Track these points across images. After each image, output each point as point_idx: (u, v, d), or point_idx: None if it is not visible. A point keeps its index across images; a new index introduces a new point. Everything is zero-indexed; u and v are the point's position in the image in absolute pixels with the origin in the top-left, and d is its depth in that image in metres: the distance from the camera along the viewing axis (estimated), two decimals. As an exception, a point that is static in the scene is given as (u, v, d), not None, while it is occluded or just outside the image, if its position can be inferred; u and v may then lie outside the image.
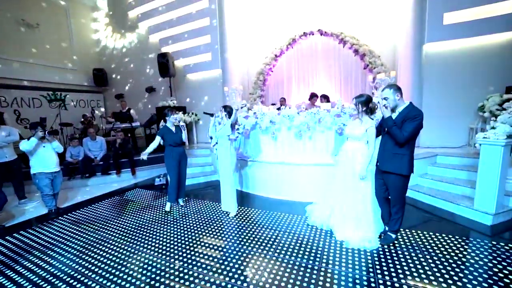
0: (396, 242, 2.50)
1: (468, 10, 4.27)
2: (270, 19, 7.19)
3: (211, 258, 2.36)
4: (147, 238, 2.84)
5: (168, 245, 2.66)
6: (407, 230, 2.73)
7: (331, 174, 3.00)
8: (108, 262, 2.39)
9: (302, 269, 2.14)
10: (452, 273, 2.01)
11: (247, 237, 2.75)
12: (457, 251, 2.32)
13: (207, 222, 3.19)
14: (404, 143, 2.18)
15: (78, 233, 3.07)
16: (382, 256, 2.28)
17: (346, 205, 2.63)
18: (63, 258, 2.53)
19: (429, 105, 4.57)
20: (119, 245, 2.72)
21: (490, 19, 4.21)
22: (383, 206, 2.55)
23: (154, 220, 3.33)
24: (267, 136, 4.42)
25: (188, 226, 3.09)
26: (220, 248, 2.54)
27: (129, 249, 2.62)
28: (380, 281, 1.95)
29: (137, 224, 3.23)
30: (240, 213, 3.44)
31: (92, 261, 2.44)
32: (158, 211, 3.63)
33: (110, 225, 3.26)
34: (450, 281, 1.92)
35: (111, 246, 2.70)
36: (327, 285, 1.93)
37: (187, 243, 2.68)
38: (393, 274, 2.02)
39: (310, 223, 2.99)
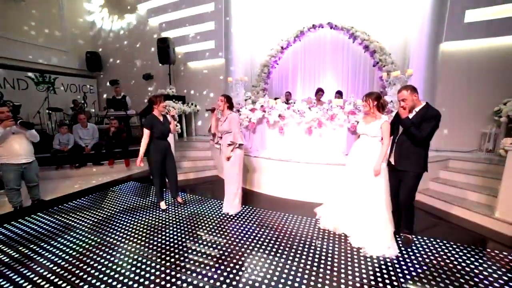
0: (413, 249, 2.33)
1: (491, 8, 4.08)
2: (277, 9, 6.87)
3: (210, 259, 2.12)
4: (142, 236, 2.57)
5: (164, 245, 2.39)
6: (419, 237, 2.56)
7: (343, 174, 2.80)
8: (99, 259, 2.12)
9: (313, 278, 1.93)
10: (465, 284, 1.85)
11: (252, 240, 2.51)
12: (478, 263, 2.16)
13: (208, 221, 2.93)
14: (422, 143, 2.17)
15: (65, 230, 2.77)
16: (402, 264, 2.10)
17: (361, 206, 2.44)
18: (49, 254, 2.24)
19: (441, 106, 4.35)
20: (111, 244, 2.44)
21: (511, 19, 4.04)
22: (397, 209, 2.41)
23: (150, 218, 3.04)
24: (274, 131, 4.18)
25: (188, 225, 2.83)
26: (222, 251, 2.30)
27: (121, 249, 2.35)
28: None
29: (131, 221, 2.94)
30: (245, 212, 3.20)
31: (81, 257, 2.18)
32: (154, 208, 3.34)
33: (100, 220, 2.96)
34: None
35: (104, 248, 2.41)
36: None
37: (186, 243, 2.43)
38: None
39: (321, 226, 2.78)
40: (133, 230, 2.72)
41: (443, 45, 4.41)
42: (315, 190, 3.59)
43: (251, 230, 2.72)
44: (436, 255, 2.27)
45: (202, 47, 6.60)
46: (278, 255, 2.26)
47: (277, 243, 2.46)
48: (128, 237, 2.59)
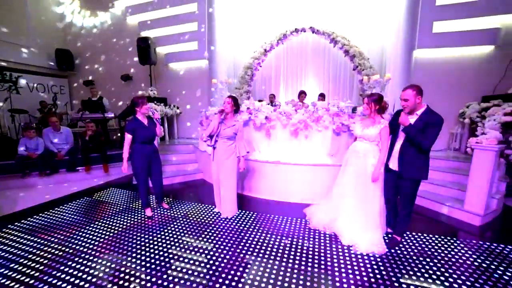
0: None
1: (455, 22, 4.51)
2: (261, 12, 6.93)
3: (203, 266, 2.07)
4: (126, 247, 2.43)
5: (153, 254, 2.29)
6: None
7: (337, 174, 2.87)
8: (76, 273, 1.96)
9: (309, 278, 1.97)
10: (446, 274, 2.03)
11: (243, 243, 2.49)
12: (452, 252, 2.36)
13: (197, 227, 2.86)
14: (427, 150, 2.13)
15: (34, 244, 2.52)
16: (391, 260, 2.22)
17: (355, 207, 2.53)
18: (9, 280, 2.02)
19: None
20: (90, 256, 2.27)
21: (472, 32, 4.51)
22: (391, 209, 2.51)
23: (135, 225, 2.89)
24: (260, 133, 4.19)
25: (177, 232, 2.73)
26: (214, 256, 2.25)
27: (103, 261, 2.20)
28: (396, 290, 1.86)
29: (114, 230, 2.77)
30: (233, 216, 3.17)
31: (54, 272, 1.99)
32: (138, 215, 3.17)
33: (77, 233, 2.73)
34: (446, 283, 1.92)
35: (82, 261, 2.24)
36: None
37: (176, 251, 2.34)
38: (402, 280, 1.95)
39: (312, 226, 2.84)
40: (117, 240, 2.56)
41: (415, 52, 4.77)
42: (303, 191, 3.66)
43: (242, 234, 2.70)
44: (419, 248, 2.44)
45: (184, 47, 6.44)
46: (272, 256, 2.27)
47: (270, 245, 2.47)
48: (110, 247, 2.42)
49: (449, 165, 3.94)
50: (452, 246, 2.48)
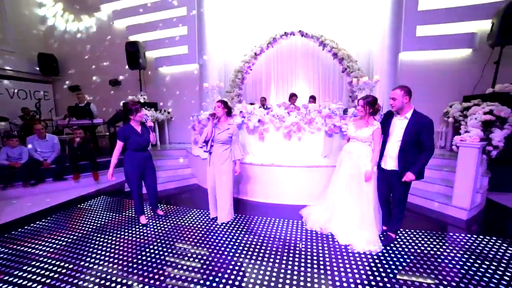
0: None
1: (436, 26, 4.75)
2: (250, 16, 7.00)
3: (202, 273, 2.05)
4: (121, 257, 2.36)
5: (150, 263, 2.24)
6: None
7: (330, 175, 2.95)
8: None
9: (309, 279, 1.99)
10: (440, 268, 2.11)
11: (242, 247, 2.49)
12: (444, 247, 2.47)
13: (193, 233, 2.82)
14: (433, 153, 2.20)
15: (22, 259, 2.41)
16: (388, 258, 2.28)
17: (350, 207, 2.59)
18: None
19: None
20: (85, 268, 2.20)
21: (451, 36, 4.77)
22: (385, 208, 2.58)
23: (129, 234, 2.81)
24: (254, 136, 4.21)
25: (173, 239, 2.69)
26: (213, 262, 2.23)
27: (98, 273, 2.13)
28: (388, 285, 1.91)
29: (108, 240, 2.68)
30: (232, 221, 3.15)
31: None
32: (132, 223, 3.10)
33: (68, 244, 2.63)
34: (440, 276, 2.00)
35: (77, 274, 2.16)
36: (345, 296, 1.82)
37: (173, 259, 2.30)
38: (398, 277, 2.02)
39: (308, 227, 2.88)
40: (111, 250, 2.49)
41: (401, 55, 4.97)
42: (297, 192, 3.71)
43: (240, 238, 2.69)
44: (413, 244, 2.53)
45: (174, 52, 6.39)
46: (271, 259, 2.27)
47: (268, 247, 2.48)
48: (106, 258, 2.35)
49: (436, 162, 4.11)
50: (444, 241, 2.59)
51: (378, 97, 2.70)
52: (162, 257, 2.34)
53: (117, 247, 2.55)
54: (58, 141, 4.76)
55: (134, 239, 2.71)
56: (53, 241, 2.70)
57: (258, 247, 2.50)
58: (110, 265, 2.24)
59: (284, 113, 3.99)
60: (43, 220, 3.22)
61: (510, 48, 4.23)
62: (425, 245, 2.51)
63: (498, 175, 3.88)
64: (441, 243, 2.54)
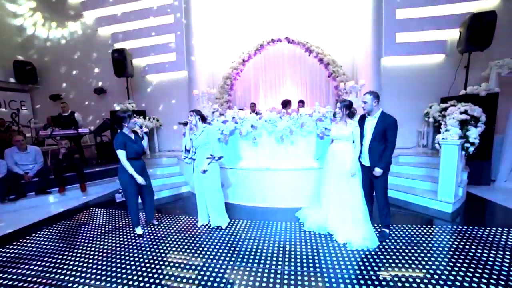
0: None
1: (413, 33, 5.12)
2: (237, 23, 7.13)
3: (201, 280, 2.04)
4: (117, 270, 2.28)
5: (150, 274, 2.19)
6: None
7: (322, 177, 3.07)
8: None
9: (313, 278, 2.04)
10: (433, 259, 2.25)
11: (243, 252, 2.50)
12: (434, 239, 2.64)
13: (190, 241, 2.79)
14: (393, 149, 2.56)
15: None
16: (385, 252, 2.39)
17: (343, 206, 2.70)
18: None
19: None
20: (81, 285, 2.10)
21: (428, 42, 5.16)
22: (369, 204, 2.75)
23: (126, 246, 2.72)
24: (247, 142, 4.26)
25: (171, 249, 2.64)
26: (216, 269, 2.23)
27: (102, 288, 2.05)
28: (388, 278, 2.01)
29: (101, 255, 2.57)
30: (230, 226, 3.14)
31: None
32: (127, 235, 3.00)
33: (58, 261, 2.50)
34: (434, 267, 2.13)
35: (75, 288, 2.06)
36: (348, 292, 1.89)
37: (172, 271, 2.27)
38: (397, 269, 2.12)
39: (307, 229, 2.94)
40: (107, 263, 2.39)
41: (383, 60, 5.27)
42: (293, 195, 3.77)
43: (240, 243, 2.70)
44: (406, 238, 2.66)
45: (162, 59, 6.33)
46: (274, 262, 2.30)
47: (269, 250, 2.51)
48: (101, 271, 2.26)
49: (420, 160, 4.37)
50: (434, 233, 2.75)
51: (341, 100, 2.95)
52: (162, 267, 2.29)
53: (111, 259, 2.46)
54: (40, 153, 4.52)
55: (130, 251, 2.62)
56: (40, 258, 2.55)
57: (259, 250, 2.52)
58: (107, 278, 2.16)
59: (277, 118, 4.08)
60: (27, 238, 3.02)
61: (477, 54, 4.64)
62: (418, 238, 2.65)
63: (474, 169, 4.19)
64: (432, 236, 2.70)
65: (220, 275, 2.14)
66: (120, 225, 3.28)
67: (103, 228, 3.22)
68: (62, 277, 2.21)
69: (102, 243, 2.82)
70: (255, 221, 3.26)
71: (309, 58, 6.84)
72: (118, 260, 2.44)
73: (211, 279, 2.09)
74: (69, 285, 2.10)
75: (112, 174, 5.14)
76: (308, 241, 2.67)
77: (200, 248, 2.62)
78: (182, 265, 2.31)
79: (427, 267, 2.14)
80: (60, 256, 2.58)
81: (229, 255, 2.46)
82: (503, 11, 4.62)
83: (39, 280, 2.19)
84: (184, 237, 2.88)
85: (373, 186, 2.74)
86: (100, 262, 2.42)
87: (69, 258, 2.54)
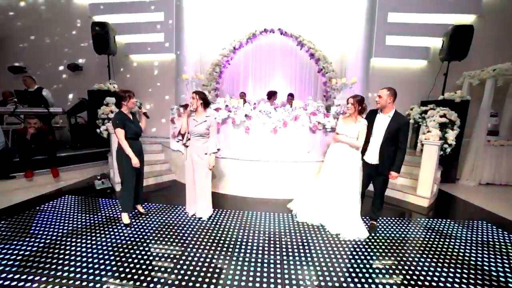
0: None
1: (402, 37, 5.38)
2: (230, 10, 6.84)
3: (205, 274, 2.00)
4: (107, 259, 2.13)
5: (142, 270, 2.08)
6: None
7: (321, 170, 3.11)
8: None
9: (305, 267, 2.11)
10: (416, 248, 2.46)
11: (235, 242, 2.48)
12: (416, 230, 2.87)
13: (182, 231, 2.69)
14: (406, 149, 2.52)
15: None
16: (374, 243, 2.54)
17: (339, 200, 2.79)
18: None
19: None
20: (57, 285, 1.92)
21: (413, 48, 5.47)
22: (362, 199, 2.85)
23: (112, 238, 2.53)
24: (239, 131, 4.18)
25: (161, 238, 2.53)
26: (214, 260, 2.19)
27: None
28: (380, 266, 2.15)
29: (84, 247, 2.36)
30: (219, 216, 3.09)
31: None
32: (111, 224, 2.80)
33: (31, 256, 2.26)
34: (418, 255, 2.33)
35: None
36: (336, 279, 1.98)
37: (162, 262, 2.18)
38: (386, 258, 2.28)
39: (300, 220, 3.00)
40: (90, 259, 2.22)
41: (373, 60, 5.48)
42: (284, 187, 3.82)
43: (230, 233, 2.67)
44: (392, 229, 2.85)
45: (148, 38, 5.88)
46: (266, 253, 2.32)
47: (261, 241, 2.52)
48: (83, 269, 2.09)
49: (400, 158, 4.66)
50: (414, 225, 3.00)
51: (353, 95, 2.91)
52: (156, 260, 2.18)
53: (94, 253, 2.27)
54: (1, 132, 3.98)
55: (118, 243, 2.45)
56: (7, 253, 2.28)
57: (250, 241, 2.52)
58: (90, 276, 2.00)
59: (271, 109, 4.05)
60: (-8, 226, 2.67)
61: (455, 63, 5.03)
62: (402, 229, 2.86)
63: (444, 168, 4.61)
64: (413, 227, 2.93)
65: (212, 265, 2.10)
66: (104, 214, 3.04)
67: (83, 218, 2.94)
68: (34, 267, 1.99)
69: (84, 234, 2.59)
70: (247, 211, 3.24)
71: (300, 52, 6.84)
72: (102, 252, 2.26)
73: (210, 269, 2.04)
74: (41, 278, 1.90)
75: (88, 159, 4.74)
76: (302, 232, 2.73)
77: (194, 239, 2.54)
78: (175, 257, 2.22)
79: (412, 255, 2.33)
80: (23, 253, 2.31)
81: (220, 244, 2.43)
82: (479, 27, 5.04)
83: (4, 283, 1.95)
84: (174, 228, 2.76)
85: (374, 184, 2.74)
86: (80, 258, 2.22)
87: (37, 255, 2.29)
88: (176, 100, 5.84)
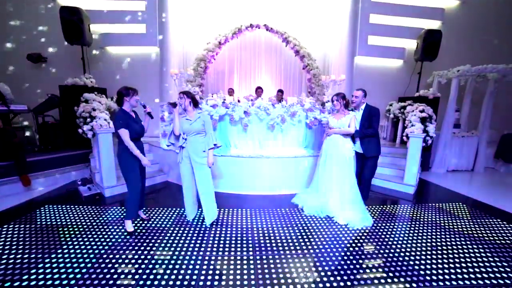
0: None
1: (382, 38, 5.78)
2: (215, 4, 6.61)
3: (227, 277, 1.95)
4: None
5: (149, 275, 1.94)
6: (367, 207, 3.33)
7: (319, 164, 3.23)
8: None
9: (322, 258, 2.19)
10: (414, 228, 2.71)
11: (246, 241, 2.46)
12: (403, 214, 3.17)
13: (191, 236, 2.58)
14: (376, 134, 3.06)
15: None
16: (381, 229, 2.72)
17: (343, 191, 2.94)
18: None
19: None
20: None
21: (391, 48, 5.91)
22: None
23: (111, 251, 2.30)
24: (237, 127, 4.12)
25: (172, 245, 2.38)
26: (237, 263, 2.14)
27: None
28: (388, 247, 2.32)
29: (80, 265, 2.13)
30: (226, 215, 3.02)
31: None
32: (111, 234, 2.53)
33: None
34: (415, 234, 2.58)
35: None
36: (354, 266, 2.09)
37: (181, 266, 2.07)
38: (390, 241, 2.47)
39: (307, 213, 3.07)
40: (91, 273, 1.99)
41: (356, 58, 5.79)
42: (286, 182, 3.86)
43: (248, 232, 2.64)
44: (389, 215, 3.08)
45: (129, 29, 5.38)
46: (280, 247, 2.34)
47: (272, 237, 2.53)
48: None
49: (384, 150, 5.02)
50: (406, 210, 3.28)
51: (335, 93, 3.22)
52: (169, 268, 2.05)
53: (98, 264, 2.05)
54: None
55: (120, 253, 2.24)
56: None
57: (262, 238, 2.51)
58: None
59: (269, 105, 4.05)
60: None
61: (427, 63, 5.57)
62: (398, 213, 3.12)
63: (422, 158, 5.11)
64: (406, 212, 3.21)
65: (231, 267, 2.06)
66: (96, 224, 2.74)
67: (70, 231, 2.59)
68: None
69: (73, 250, 2.30)
70: (252, 209, 3.20)
71: (285, 48, 6.91)
72: (105, 263, 2.05)
73: (231, 271, 1.99)
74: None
75: (63, 163, 4.21)
76: (312, 224, 2.80)
77: (209, 244, 2.44)
78: (196, 269, 2.12)
79: (410, 235, 2.56)
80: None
81: (240, 246, 2.38)
82: (444, 32, 5.63)
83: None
84: (183, 234, 2.62)
85: (363, 172, 3.14)
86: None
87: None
88: (161, 96, 5.50)
